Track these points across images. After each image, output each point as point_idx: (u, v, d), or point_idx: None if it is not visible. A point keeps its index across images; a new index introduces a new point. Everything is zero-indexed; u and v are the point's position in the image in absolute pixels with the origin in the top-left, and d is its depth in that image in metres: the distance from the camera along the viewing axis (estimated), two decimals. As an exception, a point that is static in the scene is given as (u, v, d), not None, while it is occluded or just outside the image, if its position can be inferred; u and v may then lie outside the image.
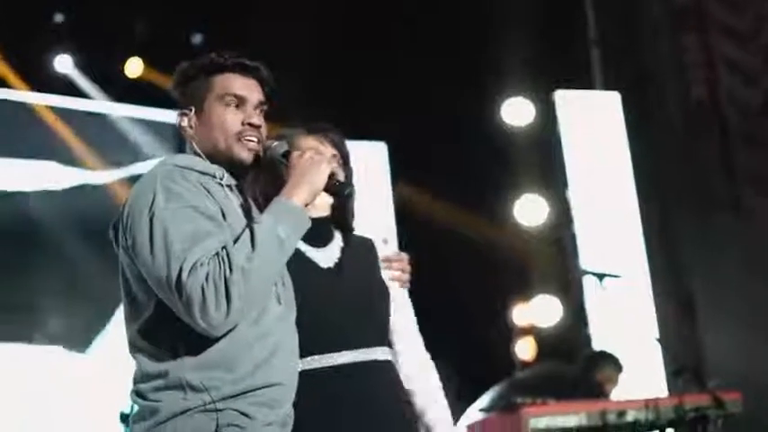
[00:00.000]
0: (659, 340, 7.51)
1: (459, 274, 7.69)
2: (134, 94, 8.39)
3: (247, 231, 2.41)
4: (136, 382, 2.48)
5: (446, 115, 7.97)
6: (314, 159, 2.59)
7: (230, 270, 2.33)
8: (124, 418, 5.60)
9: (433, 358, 3.13)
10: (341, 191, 2.67)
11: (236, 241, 2.40)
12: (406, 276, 3.10)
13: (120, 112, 8.49)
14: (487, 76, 8.56)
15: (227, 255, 2.35)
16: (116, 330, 7.87)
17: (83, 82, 8.31)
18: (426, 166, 7.79)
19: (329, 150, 2.97)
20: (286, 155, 2.66)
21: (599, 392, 6.20)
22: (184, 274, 2.32)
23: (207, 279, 2.31)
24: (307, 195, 2.53)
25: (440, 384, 3.10)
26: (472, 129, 8.34)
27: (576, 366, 6.76)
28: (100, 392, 7.48)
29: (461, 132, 8.12)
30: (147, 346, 2.45)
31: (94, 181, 8.30)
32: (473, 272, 7.93)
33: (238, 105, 2.63)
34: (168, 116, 8.58)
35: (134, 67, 8.43)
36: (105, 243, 7.70)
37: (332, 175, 2.60)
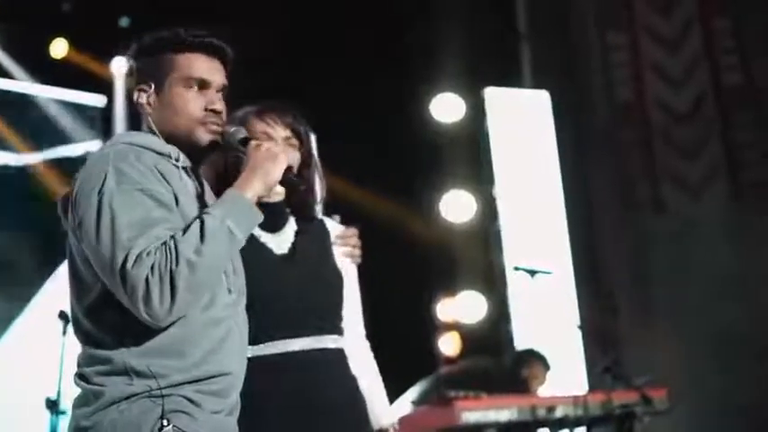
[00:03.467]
0: (581, 327, 7.60)
1: (384, 268, 7.65)
2: (59, 75, 8.23)
3: (197, 222, 2.33)
4: (80, 365, 2.40)
5: (375, 109, 7.94)
6: (270, 152, 2.50)
7: (176, 262, 2.26)
8: (50, 404, 5.51)
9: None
10: (296, 185, 2.61)
11: (184, 231, 2.33)
12: (358, 252, 3.09)
13: (45, 93, 8.32)
14: (417, 71, 8.56)
15: (175, 246, 2.28)
16: (33, 317, 7.71)
17: (6, 61, 8.12)
18: (354, 159, 7.73)
19: (280, 133, 2.92)
20: (244, 142, 2.58)
21: (525, 389, 6.25)
22: (129, 264, 2.24)
23: (152, 270, 2.25)
24: (261, 189, 2.45)
25: (376, 368, 3.10)
26: (401, 124, 8.33)
27: (503, 362, 6.80)
28: (17, 380, 7.33)
29: (390, 127, 8.10)
30: (93, 329, 2.38)
31: (16, 162, 8.13)
32: (398, 267, 7.91)
33: (201, 88, 2.54)
34: (93, 99, 8.50)
35: (59, 48, 8.26)
36: (25, 226, 7.48)
37: (289, 169, 2.52)
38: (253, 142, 2.56)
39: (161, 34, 2.57)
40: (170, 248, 2.27)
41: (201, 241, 2.30)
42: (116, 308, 2.32)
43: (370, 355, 3.12)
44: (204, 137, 2.53)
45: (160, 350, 2.33)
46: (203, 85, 2.54)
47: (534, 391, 6.37)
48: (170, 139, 2.52)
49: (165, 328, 2.32)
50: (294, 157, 2.89)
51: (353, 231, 3.09)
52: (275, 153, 2.51)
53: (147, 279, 2.24)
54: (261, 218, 2.45)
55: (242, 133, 2.61)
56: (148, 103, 2.54)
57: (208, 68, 2.56)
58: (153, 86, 2.54)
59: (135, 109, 2.58)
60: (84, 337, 2.40)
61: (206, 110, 2.52)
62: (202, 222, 2.33)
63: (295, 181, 2.59)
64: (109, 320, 2.35)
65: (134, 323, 2.31)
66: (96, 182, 2.34)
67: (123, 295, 2.27)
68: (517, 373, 6.42)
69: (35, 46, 8.20)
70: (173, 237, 2.30)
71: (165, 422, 2.29)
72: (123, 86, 8.17)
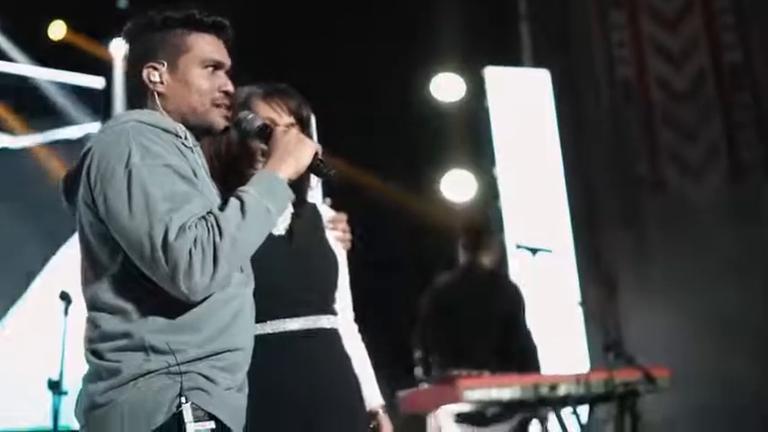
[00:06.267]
0: (582, 305, 7.61)
1: (385, 247, 7.66)
2: (57, 57, 8.20)
3: (235, 200, 2.36)
4: (92, 341, 2.39)
5: (374, 89, 7.92)
6: (300, 137, 2.57)
7: (220, 236, 2.28)
8: (52, 384, 5.52)
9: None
10: (325, 171, 2.63)
11: (222, 207, 2.35)
12: (348, 236, 3.11)
13: (43, 75, 8.30)
14: (418, 50, 8.52)
15: (217, 221, 2.30)
16: (34, 298, 7.72)
17: (4, 43, 8.09)
18: (353, 140, 7.73)
19: (284, 119, 2.91)
20: (262, 128, 2.65)
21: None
22: (171, 236, 2.25)
23: (195, 243, 2.26)
24: (292, 171, 2.50)
25: (365, 351, 3.14)
26: (401, 103, 8.30)
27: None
28: (19, 361, 7.34)
29: (390, 106, 8.08)
30: (110, 305, 2.37)
31: (15, 145, 8.11)
32: (398, 246, 7.91)
33: (214, 70, 2.56)
34: (91, 81, 8.48)
35: (57, 30, 8.23)
36: (24, 208, 7.49)
37: (316, 154, 2.57)
38: (280, 127, 2.65)
39: (171, 12, 2.57)
40: (211, 223, 2.29)
41: (243, 218, 2.33)
42: (135, 284, 2.34)
43: (359, 337, 3.15)
44: (220, 120, 2.56)
45: (178, 326, 2.34)
46: (217, 66, 2.56)
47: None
48: (181, 118, 2.53)
49: (188, 305, 2.33)
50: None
51: (343, 216, 3.12)
52: (304, 138, 2.57)
53: (190, 251, 2.25)
54: (292, 198, 2.51)
55: (259, 120, 2.69)
56: (161, 82, 2.53)
57: (219, 49, 2.59)
58: (165, 65, 2.53)
59: (140, 86, 2.56)
60: (100, 314, 2.39)
61: (219, 90, 2.55)
62: (241, 200, 2.35)
63: (324, 167, 2.61)
64: (127, 297, 2.35)
65: (154, 299, 2.32)
66: (119, 158, 2.34)
67: (162, 269, 2.26)
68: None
69: (33, 28, 8.16)
70: (210, 212, 2.32)
71: (183, 399, 2.29)
72: (123, 65, 8.16)
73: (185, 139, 2.47)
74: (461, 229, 6.58)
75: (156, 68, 2.53)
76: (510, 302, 6.24)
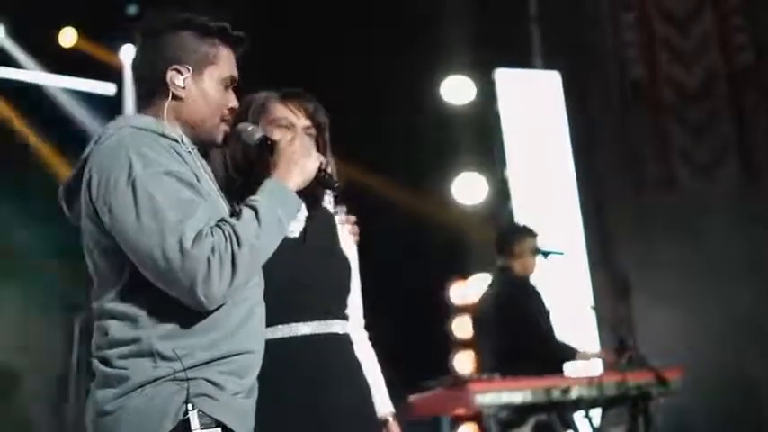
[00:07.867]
0: (594, 308, 7.58)
1: (396, 251, 7.65)
2: (68, 63, 8.23)
3: (249, 210, 2.37)
4: (101, 348, 2.39)
5: (385, 92, 7.91)
6: (304, 147, 2.56)
7: (239, 245, 2.28)
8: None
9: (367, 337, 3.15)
10: (330, 183, 2.66)
11: (235, 215, 2.36)
12: (356, 229, 3.14)
13: (53, 82, 8.31)
14: (428, 53, 8.52)
15: (234, 229, 2.30)
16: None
17: (15, 51, 8.11)
18: (364, 143, 7.73)
19: (302, 121, 2.91)
20: (263, 140, 2.66)
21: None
22: (188, 245, 2.24)
23: (213, 251, 2.25)
24: (299, 181, 2.51)
25: (375, 358, 3.12)
26: (412, 106, 8.30)
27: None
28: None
29: (401, 110, 8.07)
30: (118, 313, 2.36)
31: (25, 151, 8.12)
32: (410, 249, 7.90)
33: (227, 87, 2.56)
34: (102, 87, 8.49)
35: (68, 37, 8.26)
36: (32, 215, 7.48)
37: (320, 166, 2.58)
38: (285, 137, 2.62)
39: (207, 20, 2.54)
40: (229, 232, 2.29)
41: (259, 226, 2.34)
42: (144, 292, 2.33)
43: (369, 344, 3.14)
44: (221, 136, 2.57)
45: (187, 330, 2.33)
46: (232, 83, 2.57)
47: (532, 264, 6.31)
48: (186, 126, 2.52)
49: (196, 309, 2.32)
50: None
51: (352, 218, 3.13)
52: (308, 148, 2.58)
53: (208, 259, 2.25)
54: (301, 208, 2.55)
55: (259, 132, 2.70)
56: (183, 87, 2.50)
57: (234, 65, 2.58)
58: (191, 71, 2.51)
59: (157, 86, 2.50)
60: (109, 321, 2.38)
61: (226, 108, 2.56)
62: (256, 209, 2.36)
63: (328, 179, 2.63)
64: (136, 304, 2.35)
65: (162, 305, 2.31)
66: (121, 169, 2.32)
67: (178, 279, 2.25)
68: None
69: (43, 35, 8.19)
70: (225, 221, 2.32)
71: (189, 406, 2.28)
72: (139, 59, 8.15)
73: (182, 143, 2.46)
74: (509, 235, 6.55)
75: (180, 72, 2.50)
76: None
